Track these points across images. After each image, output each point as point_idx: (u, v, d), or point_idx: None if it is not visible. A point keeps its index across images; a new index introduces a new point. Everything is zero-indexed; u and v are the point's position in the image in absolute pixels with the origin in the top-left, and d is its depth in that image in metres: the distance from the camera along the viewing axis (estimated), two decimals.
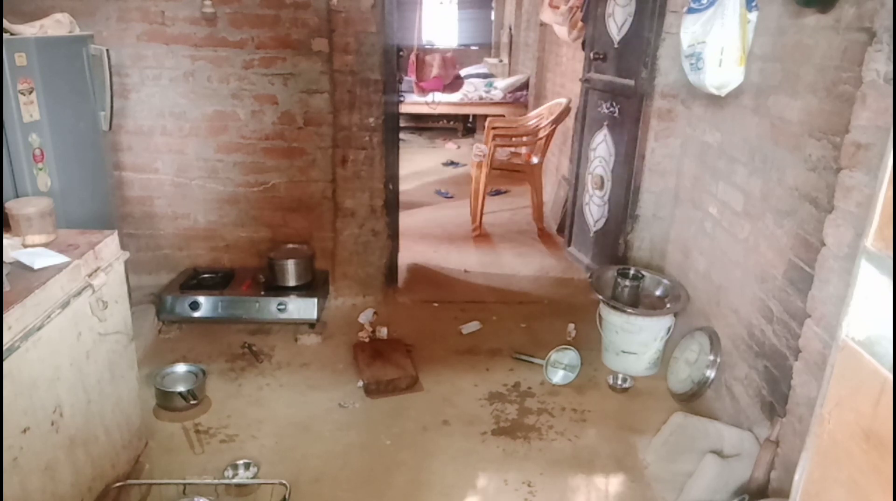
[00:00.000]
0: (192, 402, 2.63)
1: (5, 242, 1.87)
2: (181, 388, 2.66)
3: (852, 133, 1.72)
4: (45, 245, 1.94)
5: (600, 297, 3.09)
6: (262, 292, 3.26)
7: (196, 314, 3.20)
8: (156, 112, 3.38)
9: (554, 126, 4.87)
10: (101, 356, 2.01)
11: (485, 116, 7.09)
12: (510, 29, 8.92)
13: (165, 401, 2.64)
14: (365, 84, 3.30)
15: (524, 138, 5.21)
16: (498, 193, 5.87)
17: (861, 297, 1.04)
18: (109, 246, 2.05)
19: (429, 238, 4.73)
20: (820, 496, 1.15)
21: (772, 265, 2.32)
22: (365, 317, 3.46)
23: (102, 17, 3.18)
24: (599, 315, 3.11)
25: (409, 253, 4.29)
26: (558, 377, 2.94)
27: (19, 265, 1.77)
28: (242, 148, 3.47)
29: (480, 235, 4.84)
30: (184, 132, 3.43)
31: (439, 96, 7.03)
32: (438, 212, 5.46)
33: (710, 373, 2.67)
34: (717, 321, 2.77)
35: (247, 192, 3.55)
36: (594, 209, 3.91)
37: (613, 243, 3.65)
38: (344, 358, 3.10)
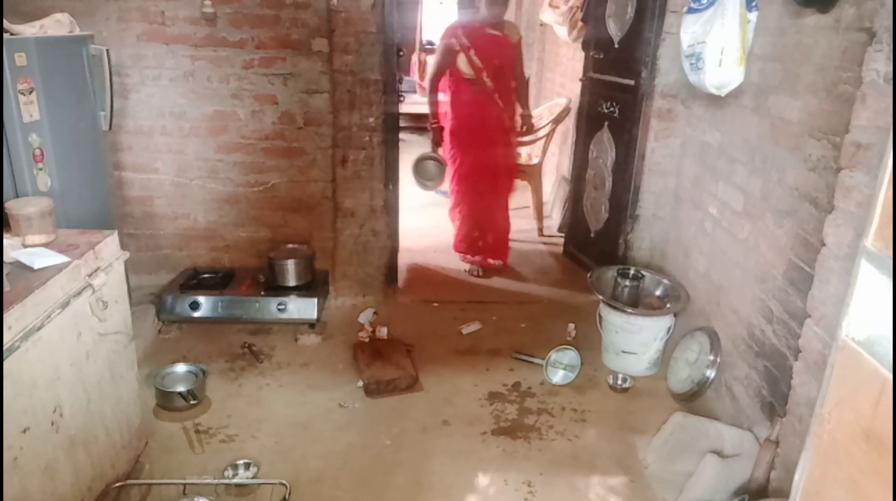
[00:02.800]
0: (192, 402, 2.63)
1: (5, 242, 1.87)
2: (181, 388, 2.66)
3: (852, 133, 1.72)
4: (45, 245, 1.94)
5: (600, 297, 3.09)
6: (262, 292, 3.26)
7: (196, 314, 3.20)
8: (156, 112, 3.38)
9: (554, 126, 4.87)
10: (101, 356, 2.01)
11: None
12: None
13: (165, 401, 2.64)
14: (365, 84, 3.30)
15: (524, 138, 5.20)
16: None
17: (861, 297, 1.04)
18: (109, 246, 2.05)
19: (429, 238, 4.73)
20: (820, 496, 1.15)
21: (772, 265, 2.32)
22: (365, 317, 3.46)
23: (102, 17, 3.18)
24: (599, 315, 3.11)
25: (410, 253, 4.28)
26: (558, 377, 2.93)
27: (19, 265, 1.77)
28: (242, 148, 3.47)
29: None
30: (184, 132, 3.42)
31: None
32: (439, 212, 5.45)
33: (710, 373, 2.67)
34: (717, 320, 2.77)
35: (247, 192, 3.55)
36: (594, 209, 3.90)
37: (613, 243, 3.65)
38: (344, 358, 3.10)
